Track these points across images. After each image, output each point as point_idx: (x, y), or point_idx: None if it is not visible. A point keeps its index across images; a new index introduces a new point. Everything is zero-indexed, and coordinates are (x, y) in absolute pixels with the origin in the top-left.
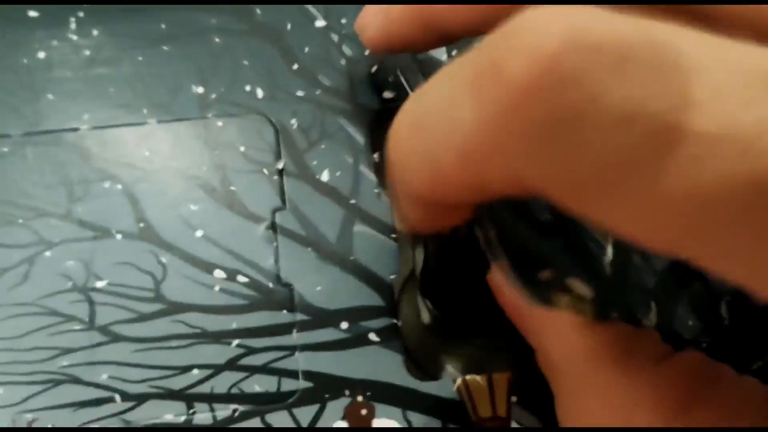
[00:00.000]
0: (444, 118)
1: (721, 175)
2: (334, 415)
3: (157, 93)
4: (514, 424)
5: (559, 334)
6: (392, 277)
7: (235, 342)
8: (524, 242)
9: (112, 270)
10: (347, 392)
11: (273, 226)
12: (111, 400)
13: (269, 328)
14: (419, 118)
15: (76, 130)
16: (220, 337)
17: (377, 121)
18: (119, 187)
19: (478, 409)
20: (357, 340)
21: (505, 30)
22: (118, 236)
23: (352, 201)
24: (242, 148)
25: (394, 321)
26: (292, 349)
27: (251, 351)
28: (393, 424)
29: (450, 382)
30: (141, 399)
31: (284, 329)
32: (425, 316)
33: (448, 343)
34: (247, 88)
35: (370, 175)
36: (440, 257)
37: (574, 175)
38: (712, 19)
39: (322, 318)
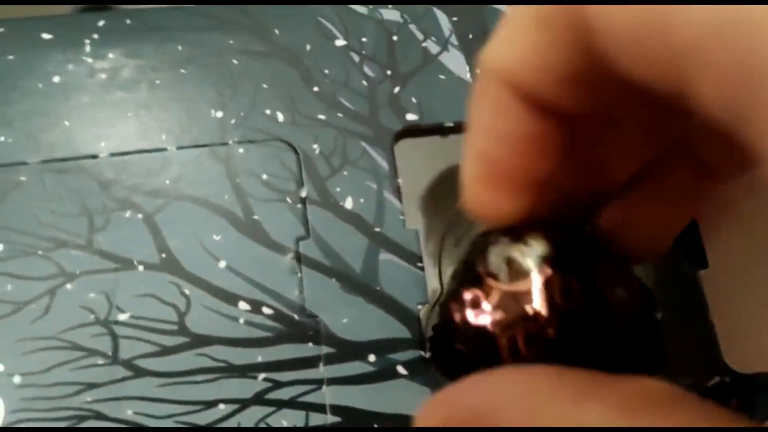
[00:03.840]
0: None
1: None
2: None
3: (175, 118)
4: None
5: None
6: (419, 307)
7: (262, 376)
8: None
9: (134, 302)
10: (376, 426)
11: (297, 256)
12: None
13: (295, 362)
14: None
15: (94, 157)
16: (246, 370)
17: (401, 145)
18: (140, 216)
19: None
20: (384, 373)
21: None
22: (140, 267)
23: (377, 229)
24: (264, 176)
25: (422, 353)
26: (319, 383)
27: (278, 385)
28: None
29: None
30: None
31: (310, 362)
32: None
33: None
34: (267, 112)
35: (395, 202)
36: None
37: None
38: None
39: (349, 351)
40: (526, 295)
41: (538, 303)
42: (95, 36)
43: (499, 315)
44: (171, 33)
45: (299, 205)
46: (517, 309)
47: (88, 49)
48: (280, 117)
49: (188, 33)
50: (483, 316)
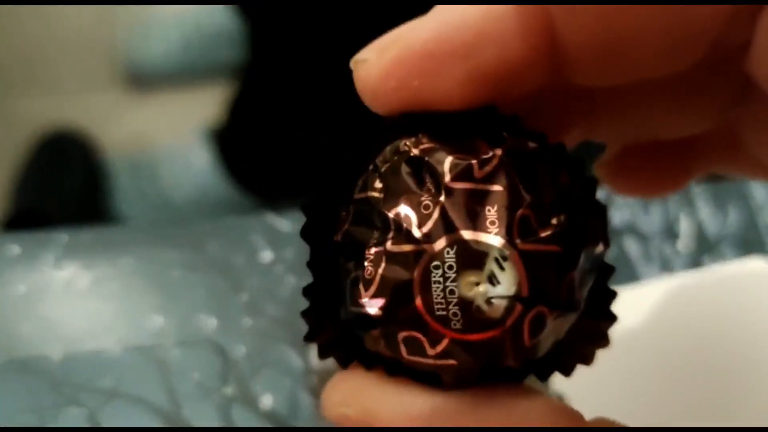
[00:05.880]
0: None
1: None
2: None
3: (122, 323)
4: None
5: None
6: None
7: None
8: None
9: None
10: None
11: None
12: None
13: None
14: None
15: (48, 357)
16: None
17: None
18: (84, 411)
19: None
20: None
21: None
22: None
23: (291, 423)
24: (195, 375)
25: None
26: None
27: None
28: None
29: None
30: None
31: None
32: None
33: None
34: (201, 317)
35: (307, 397)
36: None
37: None
38: None
39: None
40: None
41: None
42: (58, 250)
43: None
44: (123, 247)
45: (223, 402)
46: None
47: (51, 261)
48: (212, 322)
49: (137, 247)
50: None
